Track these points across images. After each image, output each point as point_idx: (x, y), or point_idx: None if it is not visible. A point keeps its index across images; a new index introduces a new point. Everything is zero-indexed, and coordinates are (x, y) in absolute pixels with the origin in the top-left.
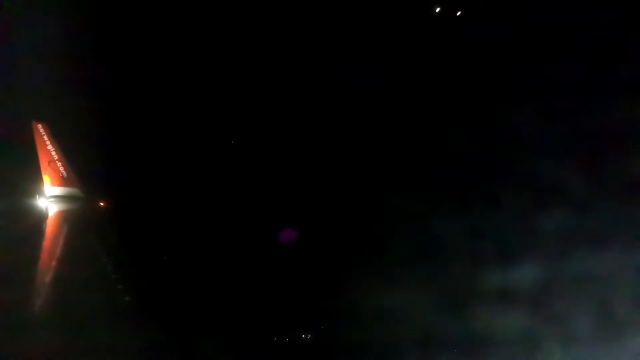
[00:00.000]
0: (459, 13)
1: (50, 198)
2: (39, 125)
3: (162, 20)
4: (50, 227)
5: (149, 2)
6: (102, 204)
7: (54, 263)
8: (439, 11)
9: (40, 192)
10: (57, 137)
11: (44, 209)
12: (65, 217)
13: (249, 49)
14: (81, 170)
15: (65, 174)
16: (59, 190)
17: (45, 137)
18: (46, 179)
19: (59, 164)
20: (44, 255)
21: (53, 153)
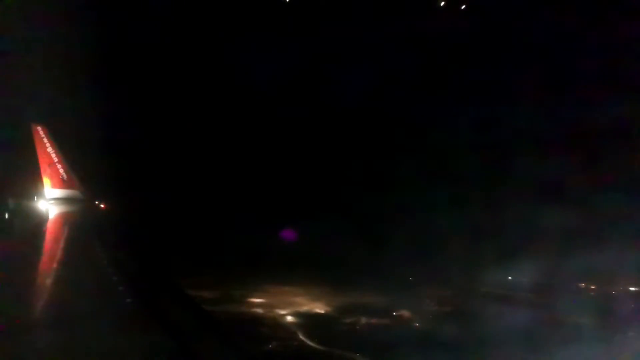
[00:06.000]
0: (463, 7)
1: (50, 200)
2: (39, 128)
3: (163, 25)
4: (50, 228)
5: (149, 6)
6: (102, 205)
7: (54, 265)
8: (443, 4)
9: (41, 194)
10: (57, 140)
11: (44, 210)
12: (65, 219)
13: (249, 52)
14: (81, 172)
15: (65, 176)
16: (59, 192)
17: (45, 140)
18: (46, 181)
19: (58, 166)
20: (44, 256)
21: (53, 155)
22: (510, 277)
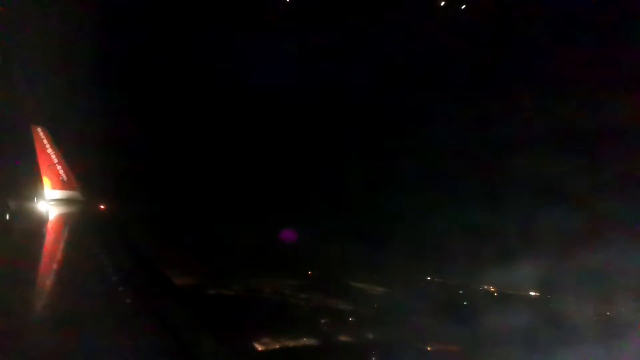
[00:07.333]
0: (463, 6)
1: (50, 201)
2: (39, 129)
3: (164, 26)
4: (50, 229)
5: (149, 6)
6: (102, 206)
7: (54, 265)
8: (443, 4)
9: (40, 196)
10: (57, 141)
11: (44, 212)
12: (65, 220)
13: (248, 52)
14: (81, 174)
15: (65, 177)
16: (59, 194)
17: (45, 141)
18: (46, 182)
19: (59, 167)
20: (45, 258)
21: (53, 156)
22: (429, 277)
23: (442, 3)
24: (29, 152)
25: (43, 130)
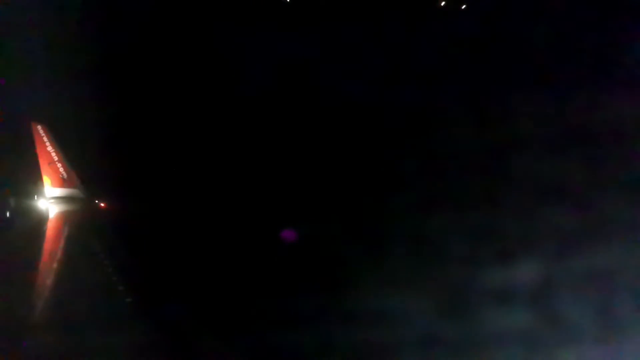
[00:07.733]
0: (464, 6)
1: (50, 199)
2: (39, 127)
3: (163, 24)
4: (50, 227)
5: (149, 6)
6: (102, 204)
7: (54, 264)
8: (443, 4)
9: (41, 193)
10: (57, 138)
11: (44, 209)
12: (66, 218)
13: (248, 51)
14: (81, 171)
15: (65, 175)
16: (59, 191)
17: (45, 139)
18: (46, 180)
19: (59, 165)
20: (44, 256)
21: (53, 154)
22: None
23: (442, 3)
24: (29, 149)
25: (43, 128)
